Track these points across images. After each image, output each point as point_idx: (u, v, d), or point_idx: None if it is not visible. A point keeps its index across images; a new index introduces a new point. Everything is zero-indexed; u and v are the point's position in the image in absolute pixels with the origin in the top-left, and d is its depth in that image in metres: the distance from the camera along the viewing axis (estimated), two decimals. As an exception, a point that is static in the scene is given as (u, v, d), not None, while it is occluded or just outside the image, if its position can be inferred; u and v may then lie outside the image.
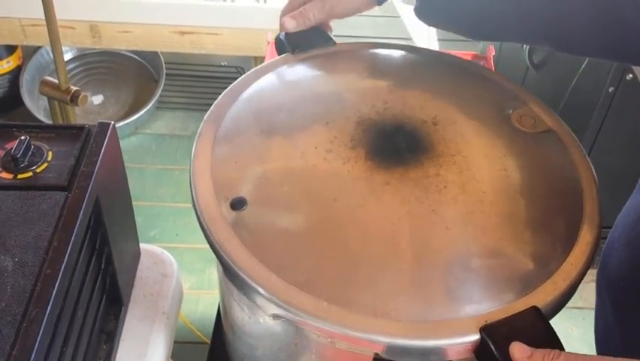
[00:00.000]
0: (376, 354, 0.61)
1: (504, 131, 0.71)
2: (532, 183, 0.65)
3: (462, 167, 0.65)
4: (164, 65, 1.94)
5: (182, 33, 1.64)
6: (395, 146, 0.67)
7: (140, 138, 1.90)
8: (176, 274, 0.85)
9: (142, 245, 0.85)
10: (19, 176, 0.63)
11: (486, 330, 0.53)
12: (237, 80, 0.78)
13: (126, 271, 0.78)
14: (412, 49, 0.83)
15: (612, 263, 0.69)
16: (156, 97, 1.89)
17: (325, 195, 0.63)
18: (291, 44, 0.80)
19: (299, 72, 0.79)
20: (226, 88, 0.78)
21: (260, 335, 0.72)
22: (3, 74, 1.85)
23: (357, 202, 0.62)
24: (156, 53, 1.94)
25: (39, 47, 1.91)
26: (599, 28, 0.63)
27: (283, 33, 0.80)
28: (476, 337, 0.53)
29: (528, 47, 1.59)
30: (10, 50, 1.84)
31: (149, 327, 0.78)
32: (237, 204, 0.62)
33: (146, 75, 2.00)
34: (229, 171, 0.66)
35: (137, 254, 0.84)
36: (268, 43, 1.22)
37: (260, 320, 0.68)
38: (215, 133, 0.70)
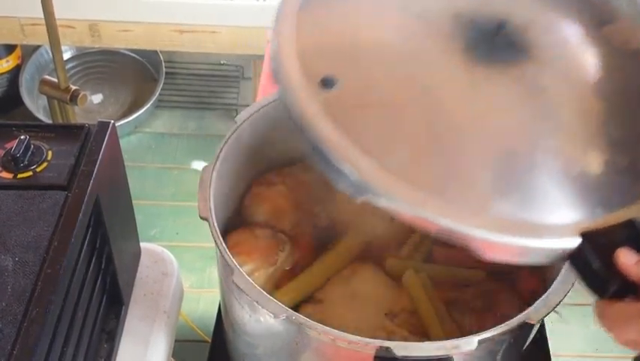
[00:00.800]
0: (377, 352, 0.61)
1: (598, 44, 0.68)
2: (632, 100, 0.63)
3: (560, 74, 0.63)
4: (163, 63, 1.93)
5: (182, 32, 1.63)
6: (494, 43, 0.63)
7: (140, 137, 1.90)
8: (176, 273, 0.85)
9: (142, 244, 0.85)
10: (19, 175, 0.63)
11: (586, 236, 0.52)
12: None
13: (126, 270, 0.78)
14: None
15: None
16: (156, 96, 1.89)
17: (420, 83, 0.59)
18: None
19: None
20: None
21: (260, 334, 0.72)
22: (2, 74, 1.85)
23: (454, 94, 0.59)
24: (155, 51, 1.93)
25: (38, 46, 1.91)
26: None
27: None
28: (574, 242, 0.52)
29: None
30: (10, 49, 1.84)
31: (150, 326, 0.78)
32: (327, 82, 0.57)
33: (146, 74, 2.00)
34: (318, 49, 0.61)
35: (137, 253, 0.84)
36: (268, 41, 1.21)
37: (260, 318, 0.68)
38: (299, 5, 0.64)
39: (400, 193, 0.52)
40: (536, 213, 0.54)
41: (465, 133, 0.57)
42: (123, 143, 0.77)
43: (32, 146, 0.65)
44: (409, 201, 0.52)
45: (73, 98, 1.16)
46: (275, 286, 0.78)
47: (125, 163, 0.75)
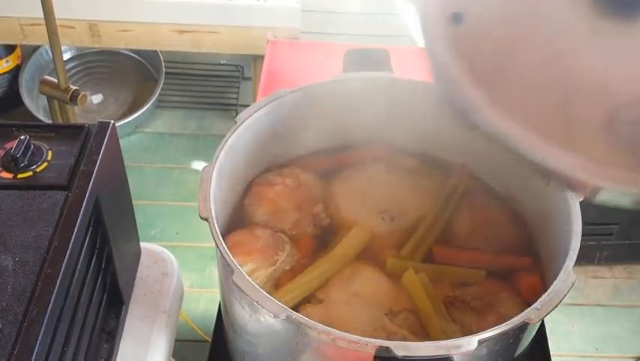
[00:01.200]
0: (377, 352, 0.61)
1: None
2: None
3: None
4: (163, 63, 1.93)
5: (182, 32, 1.64)
6: None
7: (140, 137, 1.90)
8: (176, 273, 0.85)
9: (142, 244, 0.85)
10: (19, 175, 0.63)
11: None
12: None
13: (127, 270, 0.78)
14: None
15: None
16: (156, 96, 1.89)
17: (542, 29, 0.63)
18: None
19: None
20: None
21: (261, 333, 0.72)
22: (2, 74, 1.85)
23: (575, 43, 0.62)
24: (155, 51, 1.93)
25: (38, 47, 1.91)
26: None
27: None
28: None
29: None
30: (10, 49, 1.84)
31: (150, 326, 0.78)
32: (457, 17, 0.63)
33: (146, 74, 2.00)
34: None
35: (137, 253, 0.84)
36: (268, 41, 1.22)
37: (260, 318, 0.68)
38: None
39: (507, 130, 0.58)
40: (629, 159, 0.57)
41: (578, 80, 0.61)
42: (123, 143, 0.78)
43: (32, 146, 0.65)
44: (517, 139, 0.58)
45: (73, 98, 1.16)
46: (275, 286, 0.78)
47: (125, 163, 0.75)
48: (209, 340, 0.92)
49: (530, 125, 0.58)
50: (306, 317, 0.63)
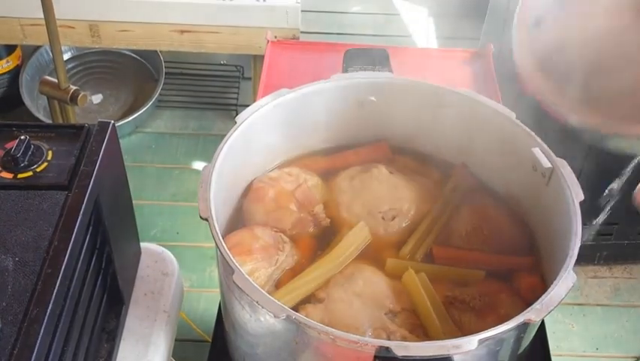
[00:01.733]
0: (377, 352, 0.61)
1: None
2: None
3: None
4: (163, 63, 1.93)
5: (182, 32, 1.64)
6: None
7: (140, 137, 1.90)
8: (176, 273, 0.85)
9: (142, 244, 0.85)
10: (20, 175, 0.64)
11: None
12: None
13: (127, 269, 0.78)
14: None
15: None
16: (156, 96, 1.89)
17: (594, 32, 0.87)
18: None
19: None
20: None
21: (261, 333, 0.72)
22: (3, 74, 1.85)
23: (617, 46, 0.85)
24: (156, 51, 1.93)
25: (38, 47, 1.91)
26: None
27: None
28: None
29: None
30: (10, 49, 1.84)
31: (150, 325, 0.78)
32: (538, 22, 0.87)
33: (146, 74, 2.00)
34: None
35: (137, 253, 0.84)
36: (268, 41, 1.21)
37: (261, 318, 0.68)
38: None
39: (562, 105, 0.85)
40: None
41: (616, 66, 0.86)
42: (123, 143, 0.78)
43: (32, 146, 0.65)
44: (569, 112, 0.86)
45: (73, 98, 1.16)
46: (275, 286, 0.78)
47: (126, 163, 0.75)
48: (210, 340, 0.92)
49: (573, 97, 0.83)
50: (306, 316, 0.63)
